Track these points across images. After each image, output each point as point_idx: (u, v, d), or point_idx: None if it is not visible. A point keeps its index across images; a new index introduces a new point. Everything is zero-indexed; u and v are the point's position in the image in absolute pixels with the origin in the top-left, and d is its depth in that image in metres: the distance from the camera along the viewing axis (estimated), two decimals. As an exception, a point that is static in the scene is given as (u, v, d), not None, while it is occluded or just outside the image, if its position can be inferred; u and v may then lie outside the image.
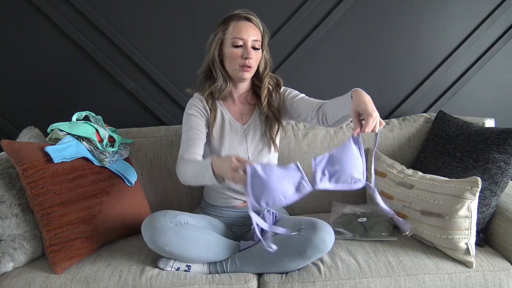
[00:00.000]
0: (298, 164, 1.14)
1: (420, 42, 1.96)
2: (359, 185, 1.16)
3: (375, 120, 1.11)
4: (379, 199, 1.18)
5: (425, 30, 1.95)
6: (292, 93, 1.52)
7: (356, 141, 1.15)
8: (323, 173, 1.13)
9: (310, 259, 1.29)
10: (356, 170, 1.15)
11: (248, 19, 1.41)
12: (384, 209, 1.18)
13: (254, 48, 1.41)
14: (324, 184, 1.14)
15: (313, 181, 1.14)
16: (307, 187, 1.14)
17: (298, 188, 1.14)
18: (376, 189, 1.19)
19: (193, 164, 1.33)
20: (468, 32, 1.95)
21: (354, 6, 1.90)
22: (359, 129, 1.13)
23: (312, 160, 1.14)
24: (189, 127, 1.45)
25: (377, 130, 1.13)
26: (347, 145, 1.15)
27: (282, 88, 1.55)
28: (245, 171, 1.11)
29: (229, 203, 1.51)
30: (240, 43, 1.39)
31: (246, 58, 1.39)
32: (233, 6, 1.47)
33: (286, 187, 1.12)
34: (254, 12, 1.44)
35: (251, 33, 1.40)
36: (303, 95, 1.51)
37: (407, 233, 1.27)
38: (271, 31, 1.88)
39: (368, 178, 1.19)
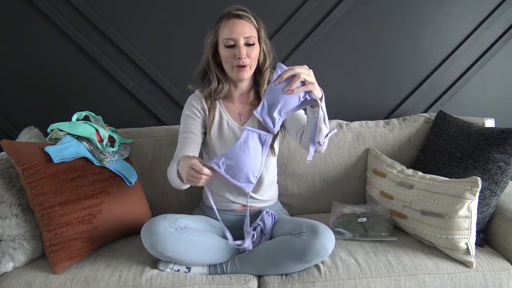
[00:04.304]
0: (246, 127, 1.19)
1: (420, 42, 1.96)
2: (307, 102, 1.20)
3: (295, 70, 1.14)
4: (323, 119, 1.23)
5: (425, 30, 1.95)
6: None
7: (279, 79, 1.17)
8: (272, 116, 1.18)
9: (310, 263, 1.29)
10: (295, 99, 1.17)
11: (239, 16, 1.36)
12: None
13: (248, 45, 1.36)
14: (279, 122, 1.19)
15: (268, 128, 1.20)
16: (268, 137, 1.21)
17: (264, 144, 1.21)
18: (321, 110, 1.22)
19: (174, 162, 1.33)
20: (468, 32, 1.95)
21: (354, 6, 1.90)
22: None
23: (255, 113, 1.18)
24: (184, 129, 1.45)
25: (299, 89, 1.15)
26: (273, 86, 1.18)
27: None
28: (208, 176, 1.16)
29: (227, 206, 1.50)
30: (232, 43, 1.35)
31: (239, 58, 1.35)
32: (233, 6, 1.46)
33: (254, 156, 1.18)
34: (254, 13, 1.41)
35: (242, 31, 1.35)
36: (300, 111, 1.45)
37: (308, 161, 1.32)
38: (271, 31, 1.88)
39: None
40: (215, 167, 1.16)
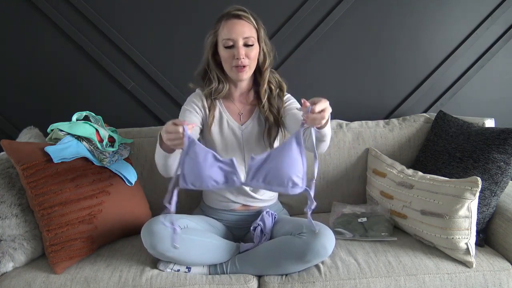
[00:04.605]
0: (234, 160, 1.16)
1: (420, 42, 1.96)
2: (297, 190, 1.16)
3: (321, 105, 1.10)
4: (309, 213, 1.21)
5: (425, 30, 1.95)
6: (292, 104, 1.47)
7: (298, 142, 1.14)
8: (257, 173, 1.15)
9: (310, 263, 1.29)
10: (294, 173, 1.14)
11: (238, 16, 1.36)
12: (310, 223, 1.24)
13: (247, 45, 1.36)
14: (256, 184, 1.16)
15: (246, 178, 1.17)
16: (237, 182, 1.17)
17: (227, 180, 1.16)
18: (313, 202, 1.19)
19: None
20: (468, 32, 1.95)
21: (354, 6, 1.90)
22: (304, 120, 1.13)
23: (250, 159, 1.17)
24: None
25: (320, 123, 1.13)
26: (287, 144, 1.14)
27: (287, 95, 1.50)
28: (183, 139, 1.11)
29: (227, 206, 1.50)
30: (231, 43, 1.35)
31: (237, 58, 1.35)
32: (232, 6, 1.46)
33: (216, 175, 1.14)
34: (254, 13, 1.40)
35: (241, 31, 1.34)
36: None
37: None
38: (271, 31, 1.88)
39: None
40: (186, 141, 1.10)
